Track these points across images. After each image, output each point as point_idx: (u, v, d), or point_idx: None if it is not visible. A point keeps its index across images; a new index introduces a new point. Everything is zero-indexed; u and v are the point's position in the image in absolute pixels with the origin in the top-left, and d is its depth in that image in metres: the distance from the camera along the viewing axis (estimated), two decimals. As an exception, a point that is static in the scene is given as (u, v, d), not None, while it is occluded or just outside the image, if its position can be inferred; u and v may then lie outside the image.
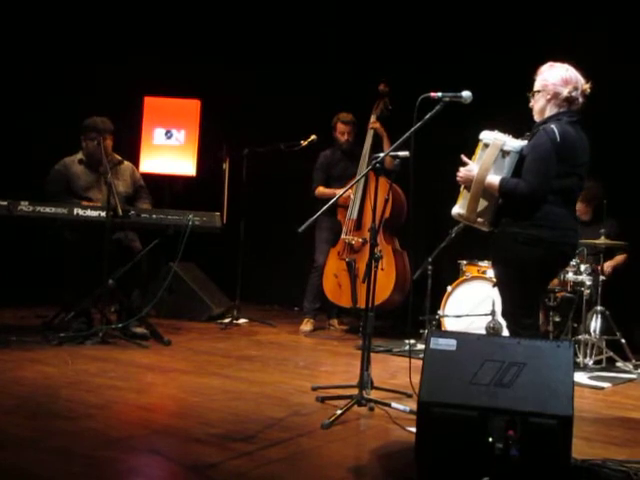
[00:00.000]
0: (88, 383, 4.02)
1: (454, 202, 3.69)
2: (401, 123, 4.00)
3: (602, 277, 5.35)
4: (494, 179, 3.48)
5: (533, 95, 3.61)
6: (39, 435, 3.10)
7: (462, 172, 3.59)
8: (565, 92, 3.50)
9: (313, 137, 6.30)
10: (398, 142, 3.75)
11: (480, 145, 3.58)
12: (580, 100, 3.54)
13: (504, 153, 3.49)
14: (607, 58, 5.59)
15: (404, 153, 3.87)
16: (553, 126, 3.44)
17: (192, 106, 7.17)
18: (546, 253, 3.46)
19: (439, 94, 3.67)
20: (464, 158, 3.62)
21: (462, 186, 3.63)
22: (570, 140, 3.45)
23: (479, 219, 3.58)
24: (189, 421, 3.44)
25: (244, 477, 2.78)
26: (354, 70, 6.82)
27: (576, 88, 3.52)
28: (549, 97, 3.53)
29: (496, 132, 3.55)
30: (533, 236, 3.43)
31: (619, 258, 5.78)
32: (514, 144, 3.50)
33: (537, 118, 3.61)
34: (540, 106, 3.57)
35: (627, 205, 5.68)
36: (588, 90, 3.56)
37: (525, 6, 6.16)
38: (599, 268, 5.39)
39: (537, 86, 3.59)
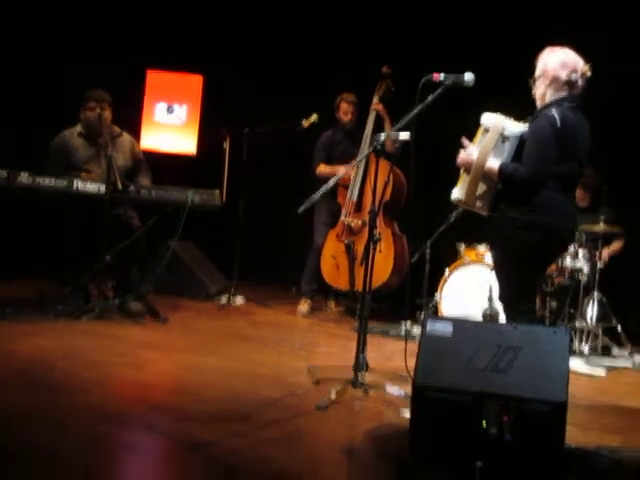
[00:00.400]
0: (84, 358, 4.02)
1: (454, 186, 3.68)
2: (403, 105, 3.97)
3: (599, 264, 5.35)
4: (494, 163, 3.47)
5: (534, 81, 3.59)
6: (35, 408, 3.11)
7: (462, 155, 3.58)
8: (564, 75, 3.48)
9: (314, 117, 6.26)
10: (399, 124, 3.74)
11: (480, 129, 3.57)
12: (580, 83, 3.51)
13: (504, 138, 3.48)
14: (609, 46, 5.56)
15: (405, 135, 3.85)
16: (554, 111, 3.43)
17: (194, 81, 7.12)
18: (544, 238, 3.45)
19: (441, 76, 3.65)
20: (464, 141, 3.60)
21: (462, 169, 3.62)
22: (570, 125, 3.43)
23: (478, 203, 3.57)
24: (185, 398, 3.45)
25: (239, 456, 2.79)
26: (357, 51, 6.77)
27: (575, 71, 3.49)
28: (548, 82, 3.51)
29: (497, 115, 3.53)
30: (531, 221, 3.43)
31: (615, 245, 5.78)
32: (514, 129, 3.49)
33: (539, 104, 3.59)
34: (541, 92, 3.56)
35: (624, 193, 5.67)
36: (588, 73, 3.53)
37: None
38: (597, 254, 5.39)
39: (537, 72, 3.57)
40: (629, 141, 5.75)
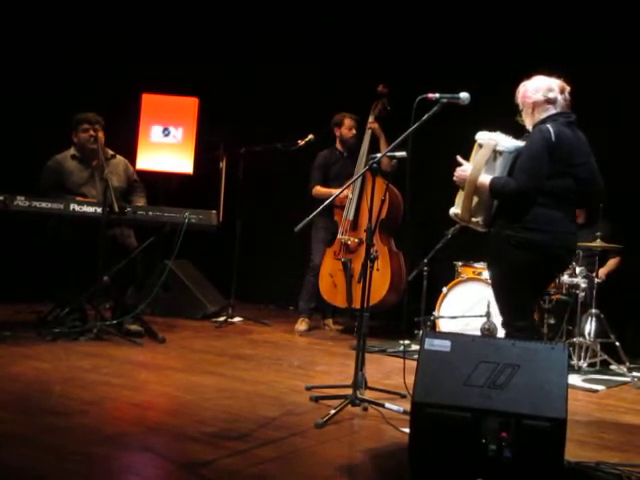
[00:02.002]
0: (82, 379, 4.02)
1: (450, 203, 3.71)
2: (399, 124, 4.00)
3: (597, 280, 5.36)
4: (485, 179, 3.51)
5: (520, 115, 3.68)
6: (32, 431, 3.09)
7: (457, 172, 3.64)
8: (540, 96, 3.57)
9: (310, 137, 6.30)
10: (395, 143, 3.76)
11: (475, 146, 3.62)
12: (561, 98, 3.58)
13: (496, 154, 3.52)
14: (606, 60, 5.61)
15: (401, 154, 3.88)
16: (549, 125, 3.48)
17: (190, 104, 7.16)
18: (538, 257, 3.46)
19: (437, 95, 3.68)
20: (459, 159, 3.65)
21: (460, 187, 3.65)
22: (565, 140, 3.47)
23: (473, 219, 3.60)
24: (183, 419, 3.44)
25: (237, 475, 2.78)
26: (352, 71, 6.82)
27: (550, 90, 3.58)
28: (531, 109, 3.61)
29: (495, 133, 3.57)
30: (525, 239, 3.44)
31: (612, 263, 5.79)
32: (508, 144, 3.52)
33: (530, 128, 3.65)
34: (529, 119, 3.64)
35: (620, 209, 5.68)
36: (567, 87, 3.61)
37: (523, 8, 6.16)
38: (594, 271, 5.40)
39: (520, 106, 3.67)
40: (625, 156, 5.77)
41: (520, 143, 3.55)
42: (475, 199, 3.56)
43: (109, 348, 4.89)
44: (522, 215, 3.45)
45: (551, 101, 3.56)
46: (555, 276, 3.96)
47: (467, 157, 3.66)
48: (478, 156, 3.55)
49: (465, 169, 3.59)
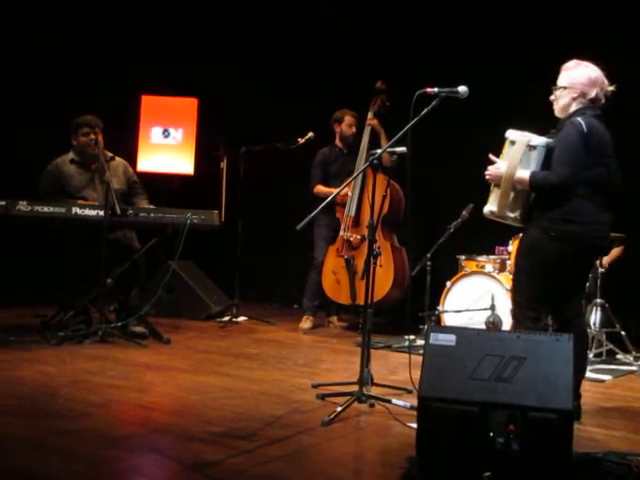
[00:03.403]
0: (88, 382, 4.02)
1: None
2: (398, 119, 3.99)
3: (601, 269, 5.34)
4: (523, 173, 3.52)
5: (557, 89, 3.64)
6: (39, 435, 3.10)
7: (491, 170, 3.65)
8: (592, 93, 3.57)
9: (310, 134, 6.29)
10: (395, 138, 3.76)
11: (507, 143, 3.64)
12: (603, 100, 3.62)
13: (531, 148, 3.54)
14: (607, 55, 5.58)
15: (401, 149, 3.88)
16: (579, 118, 3.50)
17: (189, 105, 7.17)
18: (575, 248, 3.51)
19: (435, 90, 3.67)
20: (492, 156, 3.67)
21: (492, 184, 3.67)
22: (596, 131, 3.51)
23: (510, 214, 3.62)
24: (189, 419, 3.44)
25: (244, 475, 2.78)
26: (351, 67, 6.81)
27: (602, 89, 3.60)
28: (575, 95, 3.58)
29: (523, 131, 3.60)
30: (563, 231, 3.47)
31: (615, 252, 5.77)
32: (539, 140, 3.56)
33: (559, 114, 3.66)
34: (564, 103, 3.62)
35: (623, 197, 5.66)
36: (610, 92, 3.63)
37: (522, 4, 6.15)
38: (598, 261, 5.38)
39: (563, 82, 3.63)
40: (629, 143, 5.75)
41: (549, 139, 3.56)
42: (512, 195, 3.59)
43: (114, 350, 4.89)
44: (560, 207, 3.48)
45: (596, 100, 3.58)
46: (588, 270, 3.94)
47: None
48: (512, 152, 3.57)
49: (499, 166, 3.60)
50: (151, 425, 3.37)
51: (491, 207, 3.67)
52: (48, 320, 5.38)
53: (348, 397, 3.66)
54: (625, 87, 5.26)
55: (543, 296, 3.61)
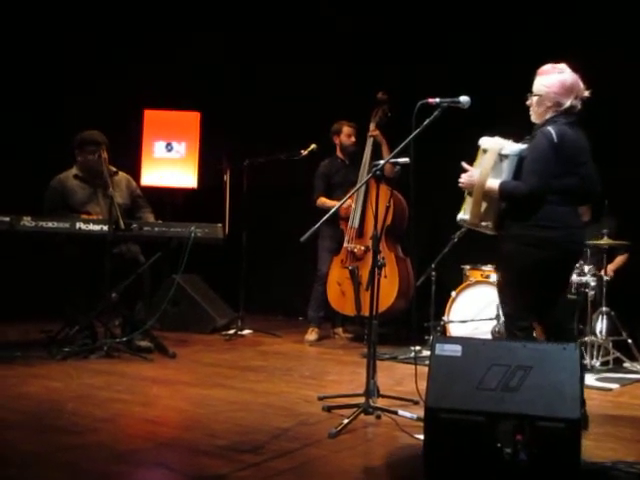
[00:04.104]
0: (94, 397, 4.01)
1: (456, 207, 3.71)
2: (400, 130, 4.00)
3: (606, 277, 5.33)
4: (494, 183, 3.52)
5: (532, 95, 3.63)
6: (46, 450, 3.09)
7: (463, 178, 3.65)
8: (567, 102, 3.54)
9: (313, 146, 6.32)
10: (398, 149, 3.76)
11: (480, 151, 3.64)
12: (579, 107, 3.58)
13: (502, 157, 3.55)
14: (608, 55, 5.60)
15: (404, 160, 3.88)
16: (550, 128, 3.49)
17: (192, 118, 7.19)
18: (553, 254, 3.50)
19: (437, 100, 3.68)
20: (465, 165, 3.66)
21: (465, 192, 3.67)
22: (568, 140, 3.48)
23: (483, 223, 3.62)
24: (195, 433, 3.43)
25: (252, 488, 2.77)
26: (352, 79, 6.83)
27: (577, 97, 3.56)
28: (550, 104, 3.57)
29: (496, 138, 3.59)
30: (539, 237, 3.47)
31: (619, 260, 5.77)
32: (512, 148, 3.54)
33: (535, 119, 3.65)
34: (540, 111, 3.61)
35: (627, 204, 5.67)
36: (585, 93, 3.59)
37: (525, 13, 6.16)
38: (602, 269, 5.38)
39: (538, 89, 3.60)
40: (632, 149, 5.76)
41: (523, 146, 3.56)
42: (484, 204, 3.59)
43: (120, 365, 4.89)
44: (533, 214, 3.47)
45: (570, 107, 3.54)
46: (568, 274, 3.95)
47: (468, 162, 3.66)
48: (484, 161, 3.57)
49: (472, 174, 3.61)
50: (157, 439, 3.36)
51: (464, 215, 3.67)
52: (53, 335, 5.38)
53: (354, 409, 3.65)
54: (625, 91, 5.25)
55: (529, 304, 3.60)
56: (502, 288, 3.72)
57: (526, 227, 3.49)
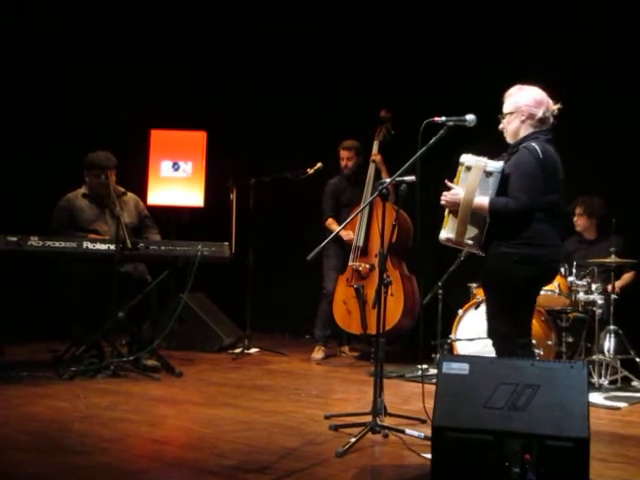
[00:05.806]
0: (100, 417, 4.01)
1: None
2: (405, 148, 4.02)
3: (614, 296, 5.31)
4: (483, 200, 3.50)
5: (504, 117, 3.65)
6: (53, 471, 3.09)
7: (448, 196, 3.59)
8: (540, 113, 3.57)
9: (319, 165, 6.35)
10: (404, 167, 3.76)
11: (462, 168, 3.58)
12: (551, 120, 3.62)
13: (487, 174, 3.51)
14: (607, 74, 5.62)
15: (410, 178, 3.88)
16: (534, 144, 3.51)
17: (198, 138, 7.23)
18: (539, 271, 3.52)
19: (443, 118, 3.70)
20: (448, 183, 3.63)
21: (447, 210, 3.63)
22: (550, 157, 3.52)
23: (469, 242, 3.57)
24: (202, 453, 3.42)
25: (259, 508, 2.76)
26: (358, 97, 6.86)
27: (548, 109, 3.60)
28: (524, 118, 3.59)
29: (475, 156, 3.57)
30: (527, 255, 3.46)
31: (626, 277, 5.75)
32: (495, 165, 3.54)
33: (510, 139, 3.66)
34: (514, 127, 3.62)
35: (633, 223, 5.66)
36: (556, 111, 3.63)
37: (532, 27, 6.19)
38: (610, 287, 5.36)
39: (509, 108, 3.64)
40: (636, 168, 5.75)
41: (501, 163, 3.55)
42: (471, 222, 3.54)
43: (126, 384, 4.89)
44: (522, 232, 3.47)
45: (544, 119, 3.59)
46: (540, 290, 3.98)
47: (450, 180, 3.63)
48: (470, 178, 3.53)
49: (457, 192, 3.55)
50: (165, 459, 3.36)
51: (448, 234, 3.59)
52: (60, 355, 5.39)
53: (362, 427, 3.64)
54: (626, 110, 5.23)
55: (523, 320, 3.59)
56: (495, 309, 3.61)
57: (515, 245, 3.47)
